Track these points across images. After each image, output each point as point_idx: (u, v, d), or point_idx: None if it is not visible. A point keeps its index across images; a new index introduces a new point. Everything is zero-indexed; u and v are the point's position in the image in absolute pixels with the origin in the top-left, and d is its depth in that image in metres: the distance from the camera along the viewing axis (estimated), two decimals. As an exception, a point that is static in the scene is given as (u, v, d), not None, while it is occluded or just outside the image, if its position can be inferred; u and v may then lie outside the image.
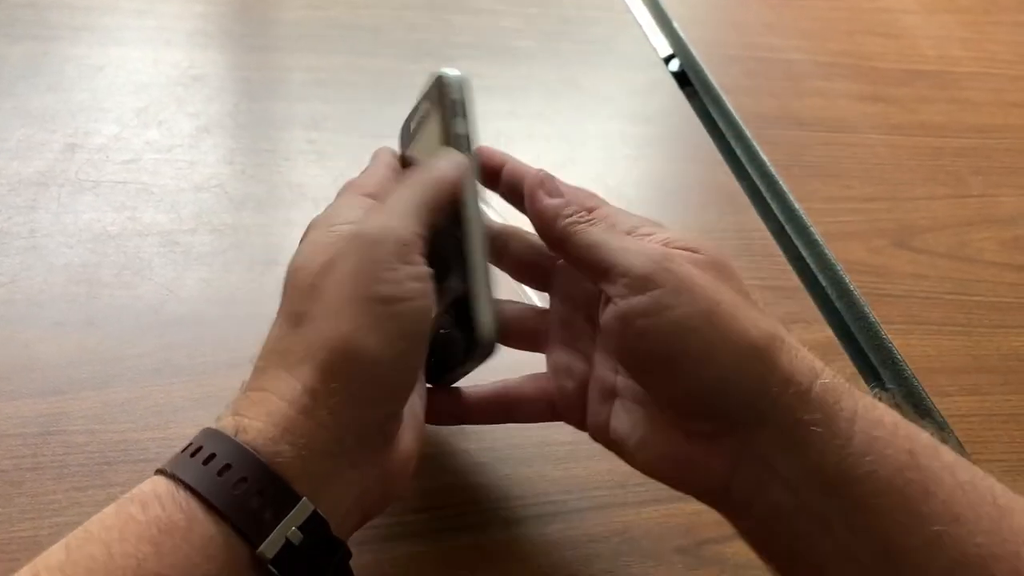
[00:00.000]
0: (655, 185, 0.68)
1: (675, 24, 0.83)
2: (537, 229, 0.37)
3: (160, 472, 0.31)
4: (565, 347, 0.40)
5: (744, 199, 0.68)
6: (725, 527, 0.46)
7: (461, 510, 0.44)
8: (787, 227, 0.67)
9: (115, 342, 0.48)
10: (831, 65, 0.84)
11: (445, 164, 0.38)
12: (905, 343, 0.59)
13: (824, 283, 0.63)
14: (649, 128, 0.73)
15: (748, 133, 0.73)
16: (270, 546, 0.29)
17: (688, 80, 0.79)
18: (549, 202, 0.37)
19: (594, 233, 0.35)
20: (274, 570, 0.29)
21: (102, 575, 0.27)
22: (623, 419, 0.36)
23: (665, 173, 0.70)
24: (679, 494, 0.47)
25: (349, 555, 0.32)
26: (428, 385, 0.39)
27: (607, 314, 0.34)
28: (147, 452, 0.43)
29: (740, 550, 0.45)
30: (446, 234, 0.37)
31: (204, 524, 0.28)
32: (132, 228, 0.54)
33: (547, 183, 0.37)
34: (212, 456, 0.30)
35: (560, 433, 0.48)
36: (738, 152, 0.72)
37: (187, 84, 0.65)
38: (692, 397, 0.33)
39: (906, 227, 0.68)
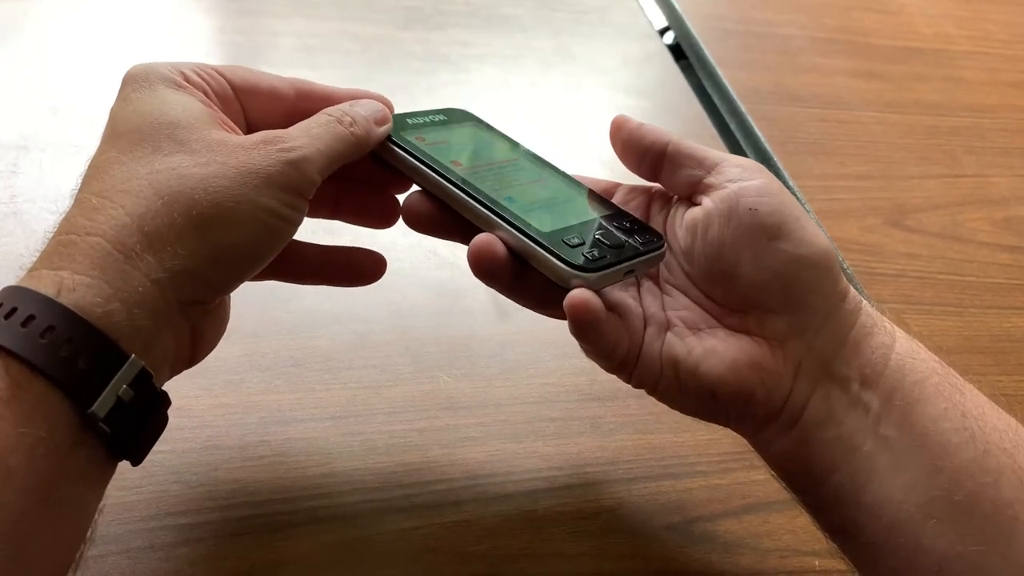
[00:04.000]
0: (648, 159, 0.68)
1: (671, -4, 0.82)
2: (646, 146, 0.40)
3: None
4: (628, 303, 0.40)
5: (738, 175, 0.67)
6: (715, 505, 0.46)
7: (450, 485, 0.44)
8: (780, 204, 0.66)
9: (98, 311, 0.47)
10: (827, 41, 0.83)
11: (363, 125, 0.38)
12: (897, 322, 0.58)
13: (817, 261, 0.62)
14: (643, 101, 0.72)
15: (743, 108, 0.72)
16: (102, 405, 0.29)
17: (683, 53, 0.78)
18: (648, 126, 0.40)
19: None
20: (105, 427, 0.29)
21: None
22: (677, 344, 0.38)
23: (659, 147, 0.69)
24: (670, 471, 0.47)
25: (168, 403, 0.32)
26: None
27: (717, 198, 0.37)
28: (131, 423, 0.42)
29: (730, 528, 0.45)
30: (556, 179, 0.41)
31: (29, 389, 0.28)
32: (116, 194, 0.52)
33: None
34: (31, 318, 0.28)
35: (551, 410, 0.48)
36: (732, 127, 0.72)
37: (174, 48, 0.64)
38: (788, 278, 0.36)
39: (900, 206, 0.68)
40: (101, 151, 0.33)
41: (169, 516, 0.40)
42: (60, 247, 0.30)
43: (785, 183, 0.67)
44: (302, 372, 0.47)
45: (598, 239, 0.38)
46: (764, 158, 0.69)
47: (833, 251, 0.37)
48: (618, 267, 0.37)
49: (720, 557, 0.44)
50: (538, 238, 0.37)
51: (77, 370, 0.28)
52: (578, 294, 0.35)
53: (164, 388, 0.32)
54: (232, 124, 0.36)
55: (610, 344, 0.37)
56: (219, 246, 0.32)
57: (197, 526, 0.40)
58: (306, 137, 0.35)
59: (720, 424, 0.39)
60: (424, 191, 0.39)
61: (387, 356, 0.49)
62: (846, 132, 0.74)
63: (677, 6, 0.81)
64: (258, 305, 0.48)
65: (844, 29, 0.85)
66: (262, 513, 0.41)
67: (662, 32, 0.80)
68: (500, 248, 0.36)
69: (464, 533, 0.42)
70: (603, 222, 0.39)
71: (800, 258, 0.36)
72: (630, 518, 0.44)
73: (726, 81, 0.74)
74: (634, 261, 0.38)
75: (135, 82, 0.35)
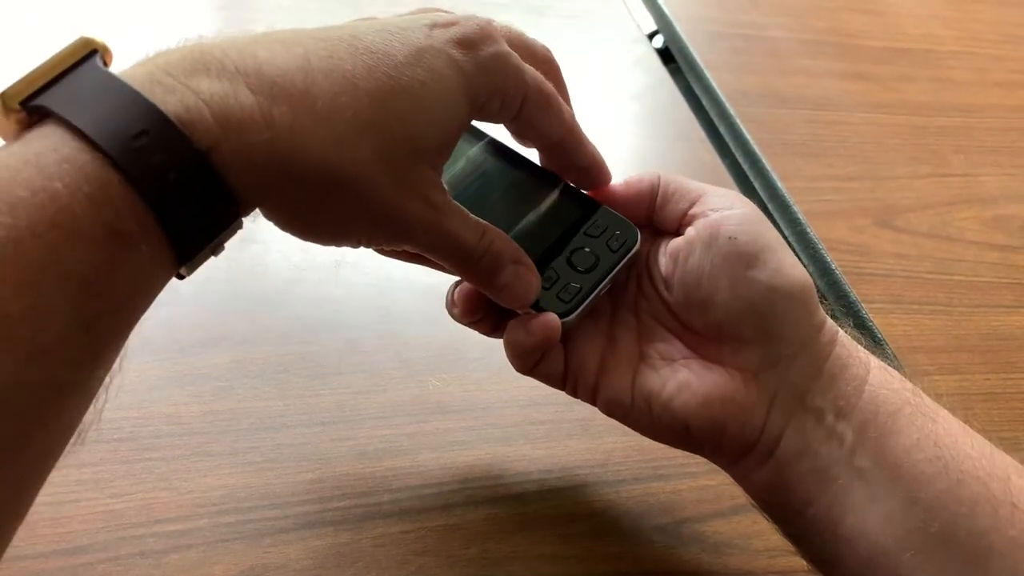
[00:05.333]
0: (638, 163, 0.68)
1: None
2: (647, 189, 0.40)
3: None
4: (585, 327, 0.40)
5: (727, 177, 0.67)
6: (704, 506, 0.46)
7: (440, 489, 0.44)
8: (769, 206, 0.66)
9: (88, 319, 0.47)
10: (815, 43, 0.83)
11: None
12: (886, 322, 0.59)
13: (806, 262, 0.63)
14: (632, 105, 0.72)
15: (731, 111, 0.72)
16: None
17: (672, 57, 0.78)
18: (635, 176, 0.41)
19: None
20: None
21: None
22: (651, 377, 0.38)
23: (648, 151, 0.69)
24: (659, 473, 0.47)
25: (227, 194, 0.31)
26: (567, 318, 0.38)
27: (699, 226, 0.38)
28: (121, 431, 0.42)
29: (719, 529, 0.45)
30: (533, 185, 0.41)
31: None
32: (106, 203, 0.53)
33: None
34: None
35: (541, 412, 0.48)
36: (721, 130, 0.72)
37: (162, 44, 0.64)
38: (762, 308, 0.36)
39: (888, 206, 0.68)
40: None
41: (158, 523, 0.40)
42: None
43: (774, 185, 0.67)
44: (292, 378, 0.47)
45: (572, 266, 0.39)
46: (752, 160, 0.69)
47: (810, 283, 0.37)
48: (596, 291, 0.38)
49: (710, 558, 0.44)
50: None
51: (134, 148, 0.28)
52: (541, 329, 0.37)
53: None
54: None
55: (530, 361, 0.38)
56: None
57: (187, 532, 0.40)
58: None
59: (697, 454, 0.39)
60: None
61: (376, 361, 0.49)
62: (834, 133, 0.74)
63: (665, 9, 0.81)
64: (247, 312, 0.48)
65: (832, 31, 0.85)
66: (252, 519, 0.41)
67: (651, 36, 0.80)
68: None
69: (454, 537, 0.42)
70: (575, 238, 0.39)
71: (775, 288, 0.36)
72: (620, 520, 0.45)
73: (715, 84, 0.74)
74: (611, 275, 0.39)
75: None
